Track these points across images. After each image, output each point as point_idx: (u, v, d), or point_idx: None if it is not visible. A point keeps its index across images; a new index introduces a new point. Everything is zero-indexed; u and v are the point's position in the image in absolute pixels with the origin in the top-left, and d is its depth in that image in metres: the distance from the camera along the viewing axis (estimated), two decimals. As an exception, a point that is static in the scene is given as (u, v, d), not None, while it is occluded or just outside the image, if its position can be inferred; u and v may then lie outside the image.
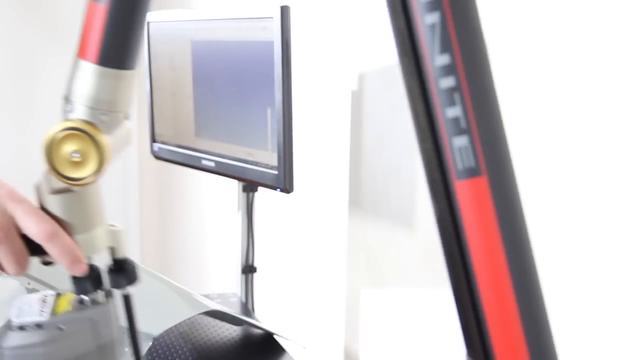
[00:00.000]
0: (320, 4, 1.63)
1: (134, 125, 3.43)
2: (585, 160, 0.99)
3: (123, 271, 0.72)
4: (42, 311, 0.70)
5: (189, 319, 1.43)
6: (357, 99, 1.52)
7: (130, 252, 0.74)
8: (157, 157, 1.72)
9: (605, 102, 0.95)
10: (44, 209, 0.70)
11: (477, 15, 0.47)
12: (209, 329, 1.44)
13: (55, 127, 0.68)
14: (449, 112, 0.46)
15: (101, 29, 0.66)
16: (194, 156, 1.58)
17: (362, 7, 1.48)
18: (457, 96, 0.45)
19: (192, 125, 1.57)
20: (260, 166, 1.40)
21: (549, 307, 0.51)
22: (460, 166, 0.46)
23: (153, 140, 1.72)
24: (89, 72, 0.68)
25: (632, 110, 0.92)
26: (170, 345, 1.36)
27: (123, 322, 0.74)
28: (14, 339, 0.69)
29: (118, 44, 0.67)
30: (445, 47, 0.45)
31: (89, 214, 0.69)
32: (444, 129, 0.46)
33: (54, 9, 3.21)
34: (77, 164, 0.68)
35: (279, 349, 1.39)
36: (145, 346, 1.19)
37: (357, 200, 1.55)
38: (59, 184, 0.70)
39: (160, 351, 1.33)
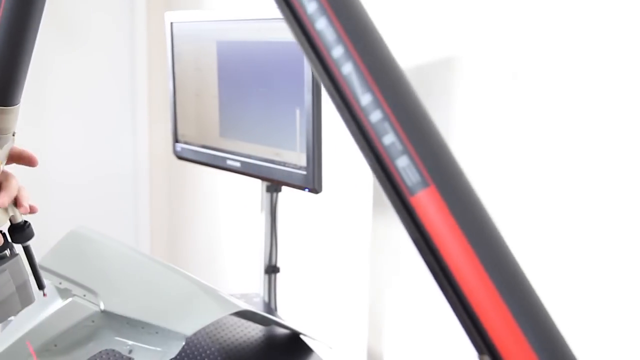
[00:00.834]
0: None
1: (145, 125, 3.44)
2: (585, 160, 0.99)
3: (22, 231, 0.97)
4: None
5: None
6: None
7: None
8: (180, 157, 1.73)
9: (604, 102, 0.96)
10: None
11: (383, 48, 0.55)
12: (235, 329, 1.44)
13: None
14: (385, 140, 0.52)
15: None
16: (219, 156, 1.58)
17: (387, 6, 1.48)
18: (387, 125, 0.52)
19: (216, 126, 1.58)
20: (287, 166, 1.40)
21: (548, 304, 0.53)
22: (409, 183, 0.52)
23: (176, 140, 1.72)
24: None
25: (632, 110, 0.93)
26: (197, 345, 1.36)
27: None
28: None
29: (2, 88, 0.79)
30: (365, 89, 0.52)
31: None
32: (386, 155, 0.52)
33: (62, 7, 3.21)
34: None
35: (306, 349, 1.39)
36: (178, 346, 1.19)
37: (382, 200, 1.55)
38: None
39: (188, 351, 1.33)
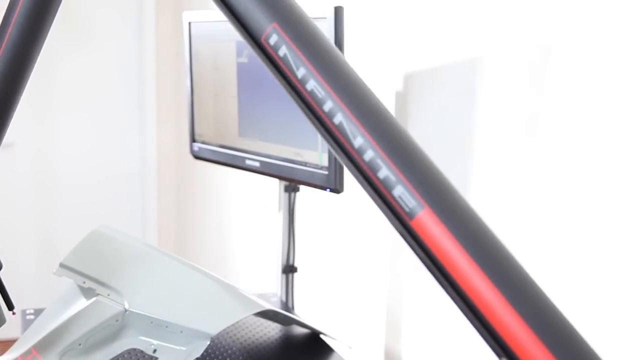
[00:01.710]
0: (363, 4, 1.63)
1: (153, 125, 3.43)
2: (612, 162, 0.99)
3: None
4: None
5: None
6: (402, 99, 1.52)
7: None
8: (197, 157, 1.72)
9: (634, 106, 0.96)
10: None
11: (367, 95, 0.60)
12: (255, 329, 1.44)
13: None
14: (380, 174, 0.58)
15: None
16: (237, 156, 1.58)
17: (405, 7, 1.48)
18: (379, 161, 0.59)
19: (235, 125, 1.58)
20: (309, 166, 1.40)
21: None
22: (407, 209, 0.57)
23: (193, 140, 1.72)
24: None
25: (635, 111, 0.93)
26: (219, 345, 1.36)
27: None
28: None
29: None
30: (355, 133, 0.59)
31: None
32: (382, 187, 0.58)
33: (71, 6, 3.21)
34: None
35: (327, 349, 1.39)
36: (202, 346, 1.19)
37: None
38: None
39: (209, 350, 1.33)
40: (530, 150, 1.19)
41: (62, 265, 1.21)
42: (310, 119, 0.62)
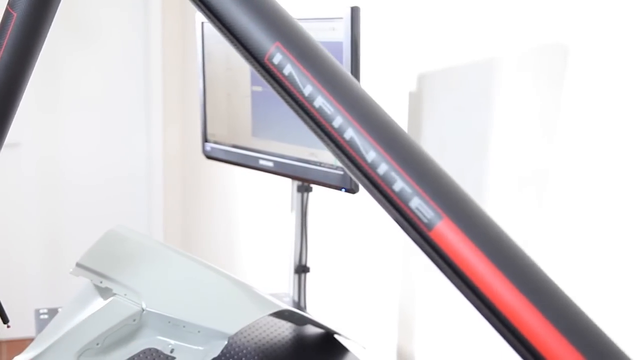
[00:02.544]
0: (378, 5, 1.63)
1: (159, 126, 3.43)
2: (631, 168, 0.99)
3: None
4: None
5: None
6: (416, 100, 1.52)
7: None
8: (209, 157, 1.73)
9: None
10: None
11: (375, 109, 0.60)
12: (269, 328, 1.45)
13: None
14: (395, 187, 0.58)
15: None
16: (251, 156, 1.58)
17: (420, 7, 1.48)
18: (393, 174, 0.58)
19: (249, 125, 1.58)
20: (324, 166, 1.40)
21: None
22: (425, 220, 0.57)
23: (205, 140, 1.72)
24: None
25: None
26: (234, 345, 1.36)
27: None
28: None
29: None
30: (368, 147, 0.59)
31: None
32: (399, 200, 0.58)
33: (76, 6, 3.21)
34: None
35: (342, 349, 1.39)
36: (220, 345, 1.19)
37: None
38: None
39: (224, 350, 1.33)
40: (548, 152, 1.19)
41: (78, 265, 1.21)
42: (319, 136, 0.62)
